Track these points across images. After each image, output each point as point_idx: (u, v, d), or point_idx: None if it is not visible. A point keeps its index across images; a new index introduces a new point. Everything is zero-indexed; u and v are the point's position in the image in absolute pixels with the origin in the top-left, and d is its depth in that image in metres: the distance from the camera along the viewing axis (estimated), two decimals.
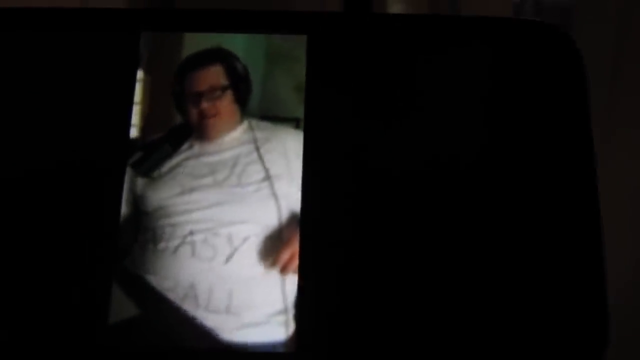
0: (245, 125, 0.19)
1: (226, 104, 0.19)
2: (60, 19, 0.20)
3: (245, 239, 0.18)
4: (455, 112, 0.19)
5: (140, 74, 0.19)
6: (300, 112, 0.19)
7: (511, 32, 0.19)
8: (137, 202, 0.18)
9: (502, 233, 0.18)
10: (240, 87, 0.19)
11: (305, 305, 0.18)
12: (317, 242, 0.18)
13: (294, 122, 0.19)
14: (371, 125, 0.19)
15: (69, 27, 0.20)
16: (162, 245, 0.18)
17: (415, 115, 0.19)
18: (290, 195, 0.18)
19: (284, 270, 0.18)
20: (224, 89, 0.19)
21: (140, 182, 0.18)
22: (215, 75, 0.19)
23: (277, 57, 0.20)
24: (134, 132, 0.19)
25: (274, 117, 0.19)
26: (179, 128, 0.19)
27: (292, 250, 0.18)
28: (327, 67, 0.19)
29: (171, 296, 0.18)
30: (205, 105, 0.19)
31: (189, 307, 0.18)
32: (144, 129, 0.19)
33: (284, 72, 0.19)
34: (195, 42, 0.20)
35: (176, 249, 0.18)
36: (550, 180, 0.18)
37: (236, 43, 0.20)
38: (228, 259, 0.18)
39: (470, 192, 0.18)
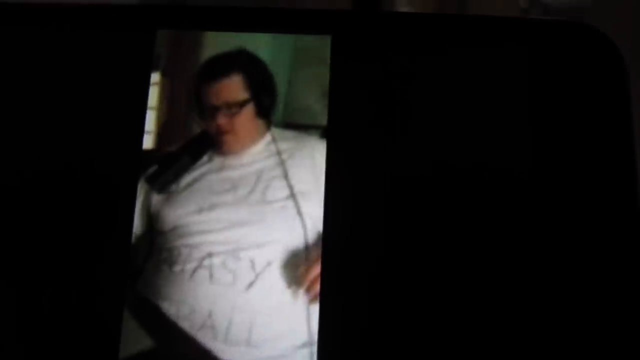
0: (268, 137, 0.17)
1: (245, 119, 0.17)
2: (69, 15, 0.18)
3: (268, 264, 0.16)
4: (491, 117, 0.17)
5: (156, 77, 0.18)
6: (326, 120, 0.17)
7: (552, 33, 0.18)
8: (152, 220, 0.17)
9: (545, 251, 0.17)
10: (263, 98, 0.18)
11: (328, 334, 0.16)
12: (340, 265, 0.17)
13: (320, 131, 0.17)
14: (401, 134, 0.17)
15: (78, 24, 0.18)
16: (177, 268, 0.16)
17: (451, 123, 0.17)
18: (317, 215, 0.17)
19: (308, 291, 0.16)
20: (241, 104, 0.18)
21: (156, 198, 0.17)
22: (232, 88, 0.18)
23: (304, 58, 0.18)
24: (148, 141, 0.17)
25: (300, 125, 0.17)
26: (199, 138, 0.17)
27: (318, 272, 0.16)
28: (353, 69, 0.18)
29: (186, 325, 0.16)
30: (221, 121, 0.17)
31: (205, 339, 0.16)
32: (160, 136, 0.17)
33: (311, 75, 0.18)
34: (216, 41, 0.18)
35: (193, 272, 0.16)
36: (591, 181, 0.17)
37: (262, 41, 0.18)
38: (249, 285, 0.16)
39: (506, 205, 0.17)
